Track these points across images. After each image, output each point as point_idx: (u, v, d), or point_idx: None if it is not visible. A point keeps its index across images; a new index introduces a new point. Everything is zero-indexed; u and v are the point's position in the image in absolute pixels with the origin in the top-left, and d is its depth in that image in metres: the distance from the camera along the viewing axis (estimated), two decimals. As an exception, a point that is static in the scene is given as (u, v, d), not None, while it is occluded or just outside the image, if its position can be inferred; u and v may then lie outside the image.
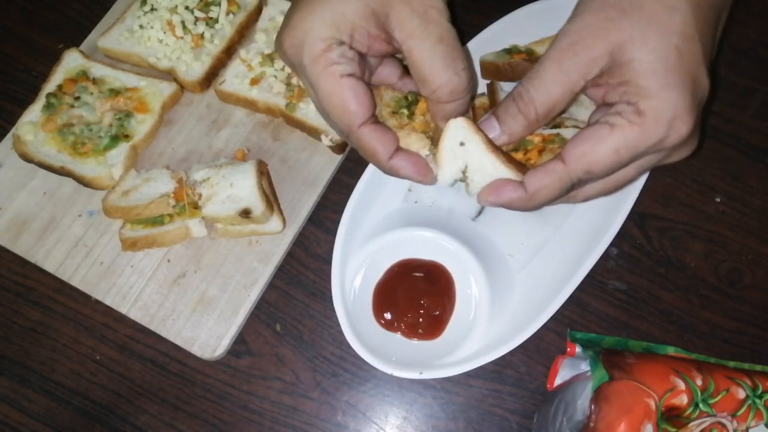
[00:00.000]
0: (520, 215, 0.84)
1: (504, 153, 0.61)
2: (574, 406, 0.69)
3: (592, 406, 0.66)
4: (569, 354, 0.75)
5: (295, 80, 0.90)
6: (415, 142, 0.63)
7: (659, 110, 0.55)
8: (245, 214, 0.80)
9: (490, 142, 0.60)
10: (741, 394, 0.69)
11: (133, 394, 0.81)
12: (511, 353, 0.76)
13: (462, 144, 0.60)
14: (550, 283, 0.78)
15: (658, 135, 0.55)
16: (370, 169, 0.83)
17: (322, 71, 0.59)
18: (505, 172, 0.60)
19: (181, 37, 0.93)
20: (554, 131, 0.66)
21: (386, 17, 0.59)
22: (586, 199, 0.64)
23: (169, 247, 0.85)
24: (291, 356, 0.82)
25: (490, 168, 0.60)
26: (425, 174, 0.63)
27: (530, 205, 0.61)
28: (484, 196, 0.62)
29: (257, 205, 0.80)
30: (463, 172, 0.62)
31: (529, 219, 0.83)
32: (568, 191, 0.60)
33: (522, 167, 0.61)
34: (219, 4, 0.94)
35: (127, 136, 0.88)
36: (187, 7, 0.93)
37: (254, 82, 0.90)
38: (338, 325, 0.77)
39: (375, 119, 0.62)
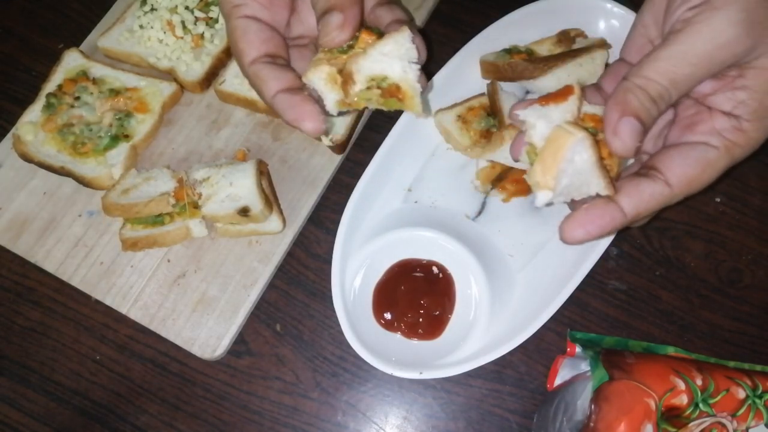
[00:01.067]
0: (520, 215, 0.84)
1: (603, 165, 0.57)
2: (574, 406, 0.69)
3: (592, 406, 0.66)
4: (569, 354, 0.75)
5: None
6: (322, 70, 0.60)
7: (764, 130, 0.56)
8: (244, 212, 0.80)
9: (599, 156, 0.56)
10: (741, 394, 0.69)
11: (133, 394, 0.81)
12: (511, 353, 0.76)
13: (572, 161, 0.55)
14: (550, 283, 0.79)
15: (754, 149, 0.57)
16: (370, 169, 0.83)
17: (227, 12, 0.64)
18: (600, 186, 0.56)
19: (181, 37, 0.93)
20: None
21: None
22: None
23: (169, 247, 0.85)
24: (291, 356, 0.82)
25: (589, 179, 0.56)
26: (303, 116, 0.59)
27: (626, 225, 0.58)
28: (573, 233, 0.56)
29: (256, 204, 0.80)
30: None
31: (529, 219, 0.84)
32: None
33: (609, 177, 0.57)
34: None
35: (127, 136, 0.88)
36: (187, 7, 0.93)
37: (254, 82, 0.90)
38: (338, 325, 0.77)
39: (272, 59, 0.63)
